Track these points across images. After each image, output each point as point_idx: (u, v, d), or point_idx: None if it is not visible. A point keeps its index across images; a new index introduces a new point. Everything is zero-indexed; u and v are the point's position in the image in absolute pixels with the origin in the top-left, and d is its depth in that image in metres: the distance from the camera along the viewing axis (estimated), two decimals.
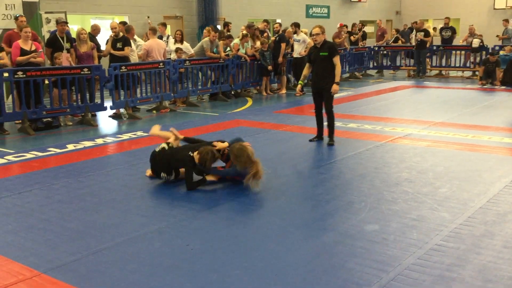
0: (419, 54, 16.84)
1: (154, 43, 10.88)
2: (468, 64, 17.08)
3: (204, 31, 12.72)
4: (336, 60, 7.07)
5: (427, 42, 16.57)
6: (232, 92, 12.97)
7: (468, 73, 17.15)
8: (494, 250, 3.78)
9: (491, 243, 3.91)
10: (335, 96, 7.35)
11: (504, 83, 13.83)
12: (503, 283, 3.28)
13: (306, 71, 7.53)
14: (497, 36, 18.61)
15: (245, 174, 5.21)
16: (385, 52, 18.61)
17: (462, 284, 3.27)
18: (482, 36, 17.00)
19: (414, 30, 18.52)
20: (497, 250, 3.77)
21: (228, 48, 12.35)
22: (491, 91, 13.03)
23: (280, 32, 13.57)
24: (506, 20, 19.61)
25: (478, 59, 16.23)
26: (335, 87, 7.05)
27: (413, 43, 17.44)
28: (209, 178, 5.53)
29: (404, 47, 18.58)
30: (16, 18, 9.24)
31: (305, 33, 14.11)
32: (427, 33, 16.64)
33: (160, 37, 12.10)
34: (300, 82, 7.67)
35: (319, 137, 7.51)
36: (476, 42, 16.07)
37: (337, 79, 7.09)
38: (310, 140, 7.44)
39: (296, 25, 13.49)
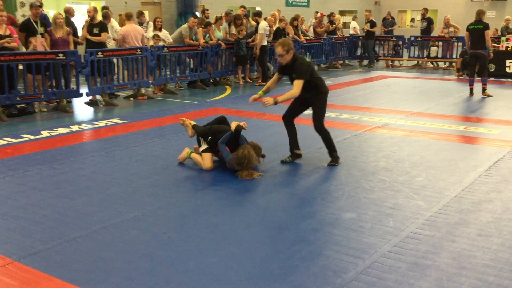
0: (367, 45, 17.63)
1: (130, 28, 10.71)
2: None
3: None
4: (296, 82, 5.46)
5: (374, 33, 17.50)
6: (211, 80, 12.89)
7: (442, 64, 17.41)
8: (468, 238, 3.84)
9: (465, 231, 3.96)
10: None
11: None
12: (477, 270, 3.33)
13: (271, 83, 5.83)
14: None
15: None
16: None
17: (436, 271, 3.32)
18: (459, 28, 17.19)
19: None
20: (472, 238, 3.83)
21: (207, 35, 12.23)
22: (467, 82, 13.18)
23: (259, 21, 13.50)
24: None
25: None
26: (269, 100, 5.40)
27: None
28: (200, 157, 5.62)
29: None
30: None
31: (286, 23, 14.18)
32: (373, 24, 17.49)
33: (140, 24, 11.93)
34: (260, 92, 5.80)
35: (294, 154, 5.86)
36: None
37: (281, 98, 5.48)
38: (282, 162, 5.84)
39: (256, 15, 13.43)
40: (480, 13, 10.85)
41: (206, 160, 5.58)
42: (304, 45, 15.39)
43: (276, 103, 5.47)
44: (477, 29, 10.69)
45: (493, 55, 11.33)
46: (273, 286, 3.13)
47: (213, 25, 12.54)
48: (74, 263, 3.42)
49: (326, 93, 5.71)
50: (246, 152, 5.27)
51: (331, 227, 4.03)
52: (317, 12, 18.05)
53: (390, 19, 19.20)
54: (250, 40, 12.93)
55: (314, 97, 5.61)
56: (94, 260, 3.46)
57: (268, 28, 13.13)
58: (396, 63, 18.16)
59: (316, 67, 16.54)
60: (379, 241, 3.77)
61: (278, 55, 5.53)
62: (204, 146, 5.63)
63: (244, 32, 12.70)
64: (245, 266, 3.38)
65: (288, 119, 5.85)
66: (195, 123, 6.01)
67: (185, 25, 12.02)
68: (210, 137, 5.60)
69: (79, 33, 10.66)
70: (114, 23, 11.45)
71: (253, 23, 13.45)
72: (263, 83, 12.92)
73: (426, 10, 18.30)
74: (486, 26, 10.63)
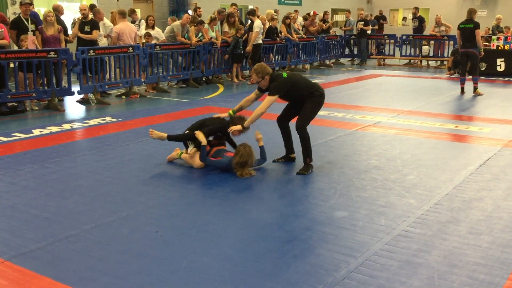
0: (360, 43, 17.65)
1: (125, 26, 10.66)
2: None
3: (169, 20, 12.54)
4: (267, 98, 5.33)
5: (366, 31, 17.58)
6: (204, 79, 12.86)
7: (433, 63, 17.49)
8: (459, 236, 3.86)
9: (456, 229, 3.99)
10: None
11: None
12: (468, 268, 3.36)
13: (245, 102, 5.64)
14: None
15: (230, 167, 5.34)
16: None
17: (428, 269, 3.33)
18: (450, 27, 17.24)
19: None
20: (463, 236, 3.85)
21: (200, 34, 12.20)
22: (458, 81, 13.25)
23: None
24: None
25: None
26: (236, 129, 5.34)
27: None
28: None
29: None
30: None
31: (277, 20, 14.23)
32: (366, 23, 17.55)
33: (132, 22, 11.88)
34: (230, 112, 5.63)
35: (288, 158, 5.81)
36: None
37: (247, 122, 5.35)
38: (275, 161, 5.81)
39: (250, 13, 13.44)
40: (471, 12, 10.90)
41: (196, 159, 5.57)
42: (297, 44, 15.40)
43: (244, 128, 5.36)
44: (468, 28, 10.75)
45: (484, 54, 11.39)
46: (266, 285, 3.13)
47: (206, 25, 12.51)
48: (66, 262, 3.41)
49: (320, 96, 5.44)
50: (248, 150, 5.25)
51: (323, 226, 4.04)
52: (296, 11, 18.02)
53: (373, 18, 19.32)
54: (244, 37, 12.94)
55: (308, 98, 5.41)
56: (86, 260, 3.45)
57: (263, 26, 13.16)
58: (387, 61, 18.21)
59: (308, 66, 16.55)
60: (370, 239, 3.78)
61: (255, 82, 5.52)
62: (191, 148, 5.62)
63: (242, 31, 12.74)
64: (238, 265, 3.38)
65: (283, 121, 5.73)
66: (167, 134, 5.91)
67: (177, 22, 11.97)
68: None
69: (69, 31, 10.59)
70: (106, 20, 11.40)
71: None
72: (254, 82, 12.89)
73: (417, 9, 18.40)
74: (477, 25, 10.68)
